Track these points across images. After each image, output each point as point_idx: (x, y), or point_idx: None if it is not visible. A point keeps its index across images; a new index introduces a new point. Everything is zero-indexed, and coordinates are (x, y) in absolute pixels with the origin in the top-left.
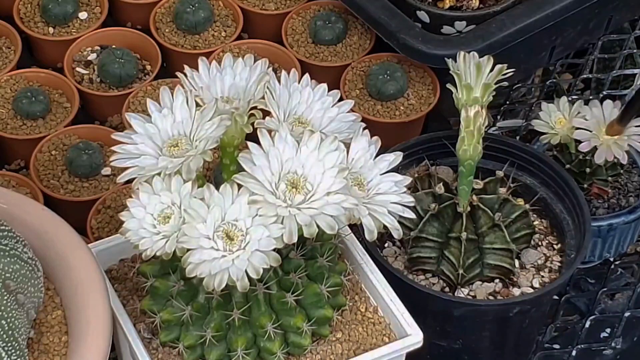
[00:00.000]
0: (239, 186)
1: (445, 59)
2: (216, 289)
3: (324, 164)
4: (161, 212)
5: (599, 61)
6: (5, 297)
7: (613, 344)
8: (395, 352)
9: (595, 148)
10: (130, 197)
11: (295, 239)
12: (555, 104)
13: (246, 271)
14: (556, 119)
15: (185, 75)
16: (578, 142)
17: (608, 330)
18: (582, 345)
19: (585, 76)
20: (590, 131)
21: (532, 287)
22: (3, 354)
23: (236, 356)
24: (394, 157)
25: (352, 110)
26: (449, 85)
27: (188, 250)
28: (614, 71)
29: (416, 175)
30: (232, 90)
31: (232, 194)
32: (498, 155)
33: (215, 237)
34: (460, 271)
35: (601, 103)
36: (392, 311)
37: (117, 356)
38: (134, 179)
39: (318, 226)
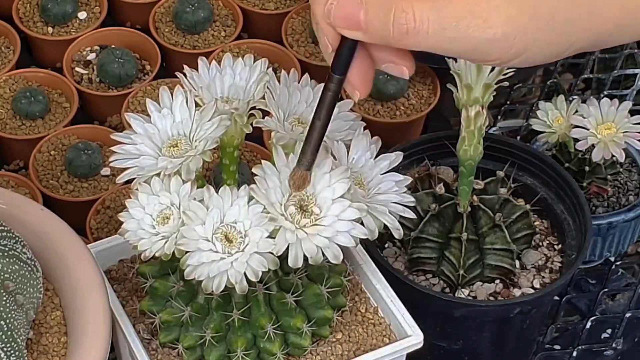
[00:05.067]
0: (238, 188)
1: (446, 58)
2: (215, 291)
3: (334, 189)
4: (160, 213)
5: (599, 61)
6: (4, 298)
7: (614, 345)
8: (396, 353)
9: (592, 146)
10: (130, 197)
11: (300, 264)
12: (553, 102)
13: (245, 274)
14: (554, 118)
15: (185, 75)
16: (577, 140)
17: (609, 331)
18: (583, 346)
19: (586, 76)
20: (587, 129)
21: (532, 287)
22: (2, 355)
23: (236, 357)
24: (395, 157)
25: (352, 109)
26: (449, 85)
27: (187, 252)
28: (615, 71)
29: (416, 175)
30: (232, 90)
31: (232, 196)
32: (499, 155)
33: (213, 239)
34: (461, 272)
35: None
36: (393, 312)
37: (116, 357)
38: (133, 179)
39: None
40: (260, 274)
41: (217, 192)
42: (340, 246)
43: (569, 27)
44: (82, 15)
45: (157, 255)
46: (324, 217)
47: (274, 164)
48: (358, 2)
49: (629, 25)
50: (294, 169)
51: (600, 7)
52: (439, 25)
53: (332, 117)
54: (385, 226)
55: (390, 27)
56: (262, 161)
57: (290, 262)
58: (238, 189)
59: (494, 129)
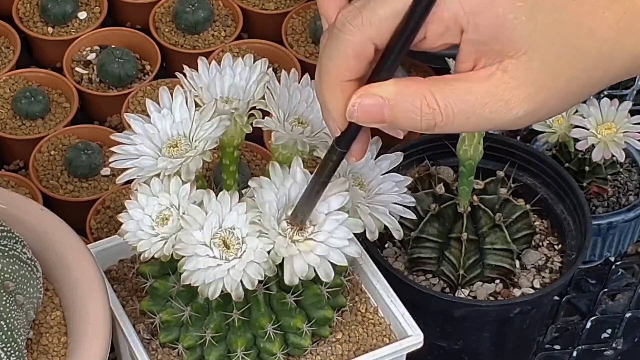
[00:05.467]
0: (239, 194)
1: (446, 58)
2: (210, 297)
3: (329, 205)
4: (159, 214)
5: None
6: (5, 298)
7: (614, 345)
8: (396, 353)
9: (592, 146)
10: (129, 198)
11: (296, 282)
12: None
13: (241, 281)
14: (554, 118)
15: (185, 75)
16: (577, 140)
17: (609, 331)
18: (583, 346)
19: None
20: (587, 129)
21: (532, 287)
22: (2, 355)
23: (236, 357)
24: (395, 157)
25: None
26: None
27: (184, 256)
28: None
29: (416, 175)
30: (232, 91)
31: (231, 202)
32: (499, 155)
33: (211, 245)
34: (461, 272)
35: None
36: (393, 312)
37: (116, 357)
38: (133, 179)
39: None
40: (256, 282)
41: (217, 193)
42: None
43: (585, 89)
44: (82, 15)
45: (156, 256)
46: (318, 232)
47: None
48: (380, 102)
49: (637, 69)
50: (289, 217)
51: (613, 63)
52: (464, 116)
53: None
54: (386, 226)
55: (419, 124)
56: (261, 177)
57: (286, 280)
58: (238, 189)
59: None
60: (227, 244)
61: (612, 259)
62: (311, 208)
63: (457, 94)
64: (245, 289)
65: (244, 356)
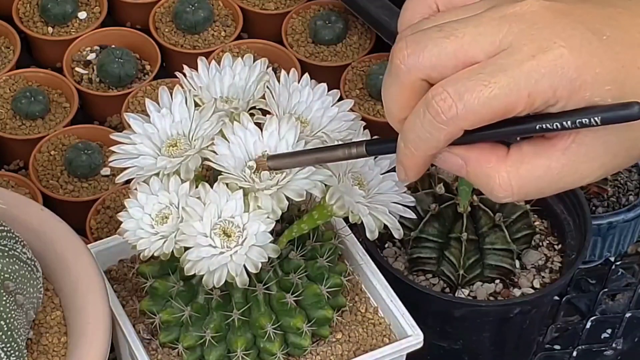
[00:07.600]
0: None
1: None
2: (216, 285)
3: (286, 141)
4: (159, 213)
5: None
6: (4, 298)
7: (614, 345)
8: (396, 353)
9: None
10: (129, 197)
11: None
12: None
13: (245, 266)
14: None
15: (185, 75)
16: None
17: (609, 330)
18: (583, 346)
19: None
20: None
21: (532, 287)
22: (2, 355)
23: (236, 357)
24: (395, 157)
25: (352, 109)
26: None
27: (186, 248)
28: None
29: None
30: (232, 90)
31: (227, 191)
32: None
33: (212, 235)
34: (461, 272)
35: None
36: (393, 312)
37: (116, 357)
38: (133, 179)
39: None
40: (259, 265)
41: None
42: (342, 243)
43: None
44: (82, 15)
45: (156, 254)
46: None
47: None
48: (460, 164)
49: None
50: (260, 157)
51: None
52: (539, 192)
53: (331, 117)
54: (385, 226)
55: (492, 193)
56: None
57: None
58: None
59: None
60: (227, 233)
61: (612, 259)
62: (287, 167)
63: (533, 173)
64: (245, 288)
65: (244, 356)
